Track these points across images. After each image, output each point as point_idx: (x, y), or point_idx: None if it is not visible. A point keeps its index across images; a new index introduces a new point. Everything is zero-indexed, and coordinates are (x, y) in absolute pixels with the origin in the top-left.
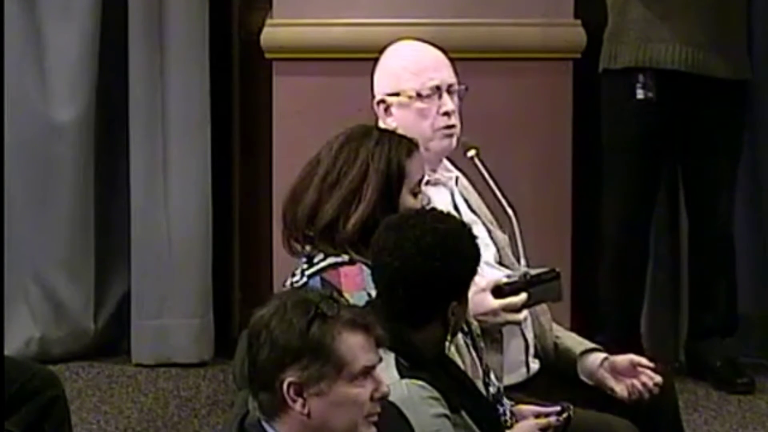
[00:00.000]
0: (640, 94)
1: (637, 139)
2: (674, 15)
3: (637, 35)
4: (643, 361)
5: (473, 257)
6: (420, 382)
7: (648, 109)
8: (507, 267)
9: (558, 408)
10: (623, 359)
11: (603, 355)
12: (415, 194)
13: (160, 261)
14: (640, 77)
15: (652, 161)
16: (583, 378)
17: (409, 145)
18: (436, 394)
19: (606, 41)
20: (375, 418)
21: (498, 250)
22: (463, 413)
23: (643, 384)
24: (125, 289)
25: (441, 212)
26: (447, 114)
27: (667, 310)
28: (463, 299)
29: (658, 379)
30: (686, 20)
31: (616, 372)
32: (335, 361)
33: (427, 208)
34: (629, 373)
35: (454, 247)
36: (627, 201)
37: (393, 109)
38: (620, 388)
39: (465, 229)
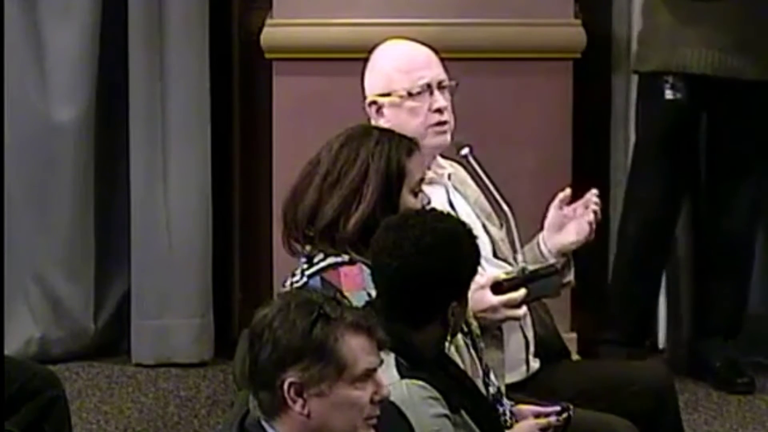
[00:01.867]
0: (668, 94)
1: (666, 139)
2: (699, 19)
3: (664, 40)
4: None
5: (473, 257)
6: (420, 382)
7: (677, 109)
8: (502, 260)
9: (558, 408)
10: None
11: (539, 236)
12: (415, 194)
13: (160, 261)
14: (669, 79)
15: (680, 162)
16: (549, 255)
17: (409, 144)
18: (436, 394)
19: (637, 43)
20: (374, 421)
21: (492, 244)
22: (463, 413)
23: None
24: (125, 289)
25: (441, 212)
26: (439, 110)
27: (674, 310)
28: (463, 299)
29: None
30: (712, 23)
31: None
32: (337, 363)
33: (427, 208)
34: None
35: (454, 248)
36: (653, 201)
37: (384, 110)
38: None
39: (465, 229)
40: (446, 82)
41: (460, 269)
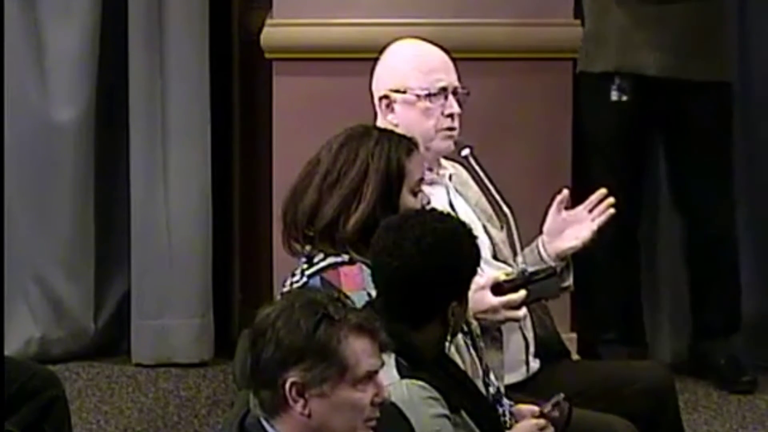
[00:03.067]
0: (614, 96)
1: (613, 140)
2: (650, 20)
3: (615, 40)
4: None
5: (473, 257)
6: (420, 383)
7: (624, 111)
8: (502, 262)
9: (554, 401)
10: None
11: (539, 240)
12: (415, 193)
13: (160, 261)
14: (616, 80)
15: (630, 163)
16: (549, 258)
17: (408, 144)
18: (435, 394)
19: (583, 44)
20: (374, 423)
21: (493, 245)
22: (463, 413)
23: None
24: (125, 289)
25: (441, 212)
26: (451, 116)
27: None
28: (463, 299)
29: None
30: (662, 26)
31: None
32: (339, 364)
33: (427, 208)
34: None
35: (454, 248)
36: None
37: (396, 106)
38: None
39: (465, 229)
40: (460, 90)
41: (460, 269)
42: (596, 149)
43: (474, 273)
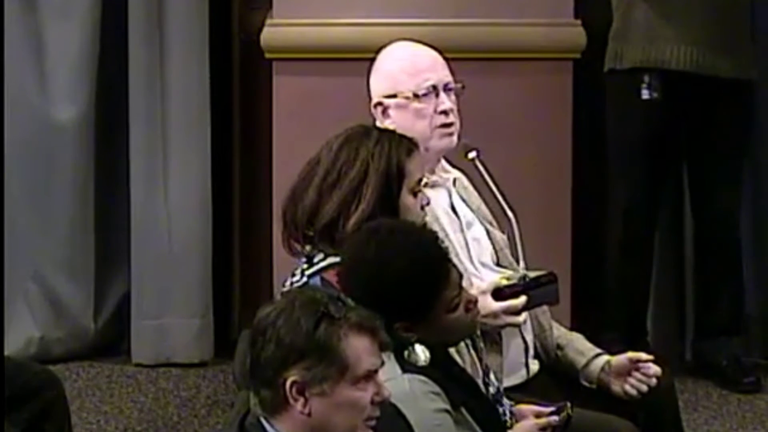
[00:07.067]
0: (645, 94)
1: (643, 139)
2: (678, 15)
3: (642, 35)
4: (642, 356)
5: (428, 281)
6: (422, 377)
7: (653, 109)
8: (505, 267)
9: (557, 407)
10: (621, 359)
11: (604, 359)
12: (415, 194)
13: (160, 261)
14: (645, 78)
15: (657, 161)
16: (585, 383)
17: (408, 144)
18: (437, 389)
19: (611, 41)
20: (373, 422)
21: (496, 251)
22: (464, 411)
23: (643, 376)
24: (125, 289)
25: (413, 228)
26: (444, 112)
27: (672, 310)
28: (417, 321)
29: (656, 369)
30: (690, 20)
31: (618, 373)
32: (339, 363)
33: (425, 208)
34: (629, 371)
35: (403, 267)
36: (632, 200)
37: (390, 111)
38: (626, 388)
39: (425, 252)
40: (452, 85)
41: (405, 290)
42: (622, 149)
43: (431, 299)
